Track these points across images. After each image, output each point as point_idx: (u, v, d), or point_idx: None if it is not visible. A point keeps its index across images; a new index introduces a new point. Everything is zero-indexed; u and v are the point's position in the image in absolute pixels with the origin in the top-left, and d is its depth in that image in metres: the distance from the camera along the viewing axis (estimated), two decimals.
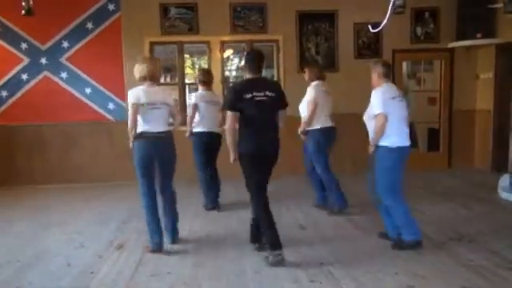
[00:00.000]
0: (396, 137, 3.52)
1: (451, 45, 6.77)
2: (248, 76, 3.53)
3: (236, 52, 8.08)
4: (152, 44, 6.65)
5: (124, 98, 6.64)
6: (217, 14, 6.63)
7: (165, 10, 6.60)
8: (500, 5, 6.03)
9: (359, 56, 6.88)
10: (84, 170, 6.61)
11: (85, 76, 6.58)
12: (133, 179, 6.54)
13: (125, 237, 4.08)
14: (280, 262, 3.28)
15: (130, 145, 3.65)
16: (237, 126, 3.45)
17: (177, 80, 7.01)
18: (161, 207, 3.77)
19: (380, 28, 6.19)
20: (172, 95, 3.84)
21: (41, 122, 6.53)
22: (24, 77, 6.48)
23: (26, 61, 6.47)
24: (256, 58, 3.54)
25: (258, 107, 3.38)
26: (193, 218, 4.64)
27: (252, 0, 6.68)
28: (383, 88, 3.59)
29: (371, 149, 3.62)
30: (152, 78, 3.61)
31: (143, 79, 3.61)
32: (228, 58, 7.93)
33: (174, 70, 7.18)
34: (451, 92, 7.11)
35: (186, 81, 7.17)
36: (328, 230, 4.11)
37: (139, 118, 3.55)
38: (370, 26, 6.53)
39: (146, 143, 3.57)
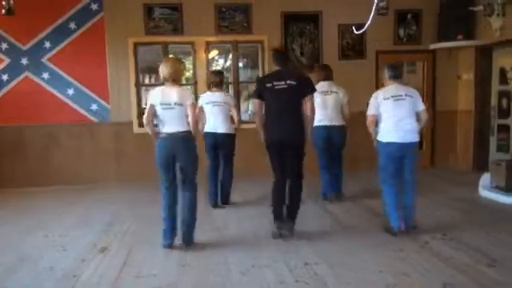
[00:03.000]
0: (388, 133, 3.86)
1: (433, 46, 6.88)
2: (276, 68, 3.96)
3: (221, 53, 8.07)
4: (136, 44, 6.59)
5: (107, 99, 6.60)
6: (202, 14, 6.61)
7: (149, 10, 6.55)
8: (480, 7, 6.16)
9: (343, 57, 6.94)
10: (67, 171, 6.50)
11: (67, 77, 6.48)
12: (116, 181, 6.56)
13: (108, 239, 4.03)
14: (276, 235, 3.81)
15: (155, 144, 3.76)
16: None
17: (161, 81, 6.94)
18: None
19: (364, 29, 6.26)
20: (190, 96, 3.83)
21: (22, 123, 6.40)
22: (4, 77, 6.35)
23: (6, 61, 6.34)
24: (281, 53, 4.03)
25: (277, 95, 3.75)
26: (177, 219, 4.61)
27: (237, 1, 6.68)
28: (379, 90, 4.03)
29: (374, 143, 4.05)
30: (172, 79, 3.71)
31: (165, 80, 3.74)
32: (213, 58, 7.92)
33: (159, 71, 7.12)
34: (433, 93, 7.23)
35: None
36: (313, 229, 4.12)
37: (158, 118, 3.68)
38: (353, 28, 6.60)
39: (162, 143, 3.69)
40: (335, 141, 5.07)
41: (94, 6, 6.44)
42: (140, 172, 6.63)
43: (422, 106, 3.95)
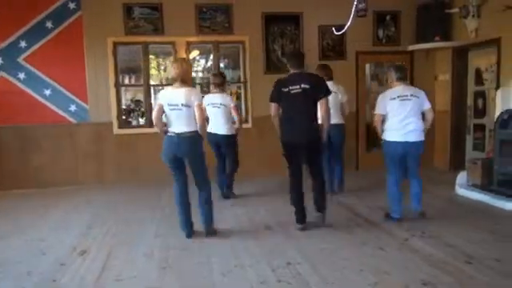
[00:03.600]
0: (392, 132, 4.09)
1: (411, 47, 7.01)
2: (292, 71, 4.05)
3: (202, 53, 8.03)
4: (115, 44, 6.49)
5: (86, 99, 6.48)
6: (182, 14, 6.56)
7: (128, 9, 6.46)
8: (456, 10, 6.31)
9: (324, 57, 6.98)
10: (45, 173, 6.36)
11: (44, 77, 6.33)
12: (96, 182, 6.45)
13: (88, 242, 3.96)
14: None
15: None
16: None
17: (142, 81, 6.89)
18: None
19: (344, 30, 6.33)
20: (197, 97, 3.82)
21: None
22: None
23: None
24: (296, 56, 4.13)
25: (292, 99, 3.90)
26: (159, 220, 4.58)
27: (218, 1, 6.66)
28: (387, 91, 4.19)
29: (381, 142, 4.27)
30: (180, 80, 3.76)
31: (173, 80, 3.81)
32: (194, 58, 7.88)
33: (139, 71, 7.05)
34: None
35: (151, 82, 7.06)
36: (294, 229, 4.14)
37: (166, 117, 3.77)
38: (334, 29, 6.67)
39: (168, 140, 3.77)
40: (335, 139, 5.16)
41: (72, 5, 6.32)
42: (120, 173, 6.56)
43: (427, 106, 4.16)
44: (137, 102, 8.50)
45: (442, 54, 7.04)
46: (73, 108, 6.44)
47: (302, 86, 3.89)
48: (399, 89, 4.13)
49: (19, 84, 6.28)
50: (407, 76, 4.37)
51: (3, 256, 3.68)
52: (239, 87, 7.23)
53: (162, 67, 9.02)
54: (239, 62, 7.03)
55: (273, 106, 4.02)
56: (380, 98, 4.20)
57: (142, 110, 7.62)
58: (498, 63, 5.86)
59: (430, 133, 7.26)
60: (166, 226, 4.39)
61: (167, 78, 8.54)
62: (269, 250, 3.62)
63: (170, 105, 3.71)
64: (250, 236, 3.97)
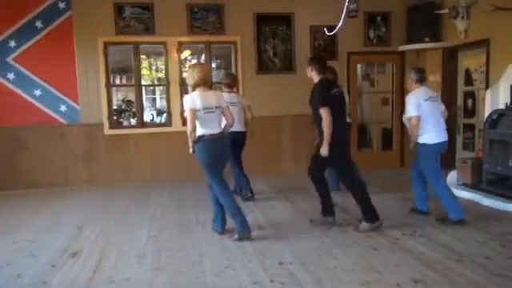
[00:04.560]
0: (432, 134, 4.10)
1: (401, 48, 7.07)
2: (319, 77, 4.11)
3: (194, 53, 8.02)
4: (106, 44, 6.45)
5: (77, 99, 6.43)
6: (173, 14, 6.54)
7: (119, 9, 6.43)
8: (446, 10, 6.37)
9: None
10: (34, 175, 6.30)
11: (34, 77, 6.28)
12: (87, 183, 6.41)
13: (79, 244, 3.93)
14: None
15: (190, 150, 3.82)
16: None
17: (133, 81, 6.85)
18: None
19: (335, 31, 6.36)
20: (224, 98, 4.04)
21: None
22: None
23: None
24: (322, 61, 4.23)
25: (337, 101, 4.05)
26: (150, 221, 4.56)
27: (209, 1, 6.65)
28: (416, 92, 4.16)
29: (411, 145, 4.28)
30: (204, 83, 3.81)
31: (196, 86, 3.82)
32: (186, 59, 7.86)
33: (130, 72, 7.02)
34: (402, 93, 7.39)
35: (143, 82, 7.03)
36: (286, 229, 4.15)
37: (197, 121, 3.75)
38: (325, 29, 6.69)
39: (209, 144, 3.79)
40: None
41: (62, 5, 6.27)
42: (111, 174, 6.52)
43: (443, 106, 4.31)
44: (128, 103, 8.47)
45: (432, 54, 7.10)
46: (63, 108, 6.39)
47: (337, 89, 4.12)
48: (425, 90, 4.18)
49: (8, 84, 6.22)
50: (426, 78, 4.40)
51: None
52: None
53: (154, 67, 8.99)
54: (231, 63, 7.02)
55: (328, 111, 3.92)
56: (411, 99, 4.12)
57: (134, 110, 7.58)
58: (487, 64, 5.93)
59: None
60: (157, 227, 4.37)
61: (159, 79, 8.50)
62: (261, 249, 3.62)
63: (205, 108, 3.75)
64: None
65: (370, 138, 8.12)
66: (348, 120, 5.17)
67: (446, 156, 6.86)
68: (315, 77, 4.12)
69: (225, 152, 3.96)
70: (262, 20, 6.85)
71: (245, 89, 6.81)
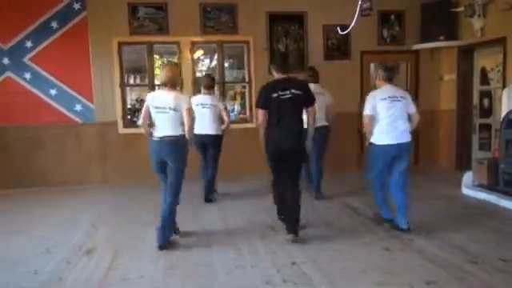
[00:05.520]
0: (383, 134, 3.92)
1: (416, 47, 6.99)
2: (276, 76, 3.92)
3: (206, 53, 8.04)
4: (120, 44, 6.52)
5: (92, 99, 6.52)
6: (187, 14, 6.58)
7: (133, 9, 6.49)
8: (461, 8, 6.28)
9: (328, 57, 6.99)
10: (50, 173, 6.40)
11: (50, 77, 6.38)
12: (101, 182, 6.49)
13: (94, 241, 3.98)
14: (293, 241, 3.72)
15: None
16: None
17: (146, 81, 6.91)
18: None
19: (348, 30, 6.32)
20: (187, 102, 3.83)
21: (4, 125, 6.28)
22: None
23: None
24: (282, 59, 4.05)
25: (281, 105, 3.74)
26: None
27: (222, 1, 6.67)
28: (376, 91, 4.03)
29: (367, 143, 4.13)
30: (170, 84, 3.78)
31: (163, 85, 3.83)
32: (198, 58, 7.89)
33: (144, 71, 7.08)
34: (417, 92, 7.33)
35: (156, 82, 7.07)
36: (300, 228, 4.14)
37: (151, 120, 3.77)
38: (338, 28, 6.65)
39: (153, 146, 3.78)
40: (322, 141, 5.11)
41: (77, 5, 6.35)
42: (125, 173, 6.58)
43: (414, 109, 4.04)
44: (142, 102, 8.53)
45: (447, 53, 7.01)
46: (78, 108, 6.48)
47: (293, 91, 3.77)
48: (388, 88, 3.97)
49: (25, 84, 6.33)
50: (394, 76, 4.16)
51: (10, 254, 3.71)
52: (244, 87, 7.23)
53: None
54: (243, 62, 7.03)
55: (262, 113, 3.80)
56: (369, 98, 3.99)
57: None
58: (504, 62, 5.83)
59: (434, 132, 7.34)
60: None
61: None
62: (273, 250, 3.62)
63: (157, 107, 3.70)
64: (254, 236, 3.97)
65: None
66: (325, 123, 5.13)
67: (461, 156, 6.85)
68: (275, 76, 3.96)
69: (170, 158, 3.72)
70: (274, 19, 6.84)
71: (257, 88, 6.79)
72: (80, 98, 6.47)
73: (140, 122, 3.83)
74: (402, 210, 3.97)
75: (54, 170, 6.43)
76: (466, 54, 6.70)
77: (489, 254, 3.39)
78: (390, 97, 3.92)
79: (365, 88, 7.15)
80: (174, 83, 3.82)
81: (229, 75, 7.41)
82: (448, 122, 7.13)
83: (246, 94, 7.07)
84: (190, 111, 3.80)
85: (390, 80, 4.03)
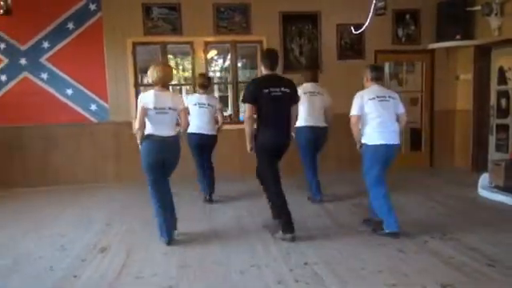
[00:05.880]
0: (374, 135, 3.82)
1: (431, 46, 6.90)
2: (264, 72, 3.95)
3: (220, 53, 8.08)
4: (135, 44, 6.58)
5: (107, 98, 6.59)
6: (200, 14, 6.61)
7: (147, 10, 6.54)
8: (478, 7, 6.18)
9: (342, 57, 6.95)
10: (65, 172, 6.50)
11: (66, 77, 6.47)
12: (115, 181, 6.56)
13: (108, 239, 4.02)
14: (288, 240, 3.75)
15: (140, 146, 3.82)
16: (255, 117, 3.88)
17: None
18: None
19: (362, 29, 6.27)
20: (181, 100, 3.99)
21: (21, 124, 6.39)
22: (3, 78, 6.33)
23: (4, 61, 6.32)
24: (271, 57, 3.96)
25: (273, 102, 3.76)
26: (181, 217, 4.61)
27: (235, 1, 6.68)
28: (363, 91, 3.94)
29: (358, 146, 4.00)
30: (163, 83, 3.80)
31: (155, 84, 3.81)
32: (212, 58, 7.92)
33: None
34: (432, 92, 7.24)
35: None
36: (311, 229, 4.13)
37: (147, 120, 3.72)
38: (352, 28, 6.61)
39: (154, 145, 3.74)
40: (320, 142, 5.09)
41: (93, 6, 6.43)
42: (139, 172, 6.57)
43: (402, 109, 3.98)
44: None
45: (463, 52, 6.90)
46: (93, 107, 6.56)
47: (283, 89, 3.81)
48: (375, 88, 3.92)
49: (42, 84, 6.43)
50: (382, 76, 4.08)
51: (27, 250, 3.77)
52: None
53: (180, 67, 9.10)
54: (257, 62, 7.03)
55: (251, 108, 3.82)
56: (357, 98, 3.90)
57: None
58: None
59: (450, 133, 7.24)
60: (183, 225, 4.42)
61: (185, 78, 8.59)
62: (286, 249, 3.61)
63: (156, 108, 3.68)
64: (267, 236, 3.97)
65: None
66: (324, 124, 5.07)
67: (478, 157, 6.73)
68: (264, 72, 4.00)
69: (171, 156, 3.81)
70: (288, 19, 6.83)
71: None
72: (95, 97, 6.55)
73: (136, 126, 3.73)
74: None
75: (69, 168, 6.52)
76: (483, 54, 6.59)
77: (505, 256, 3.33)
78: (378, 96, 3.86)
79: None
80: (164, 83, 3.84)
81: (242, 75, 7.42)
82: (464, 122, 7.02)
83: None
84: (186, 111, 3.89)
85: (377, 80, 3.98)
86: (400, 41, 7.08)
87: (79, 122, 6.54)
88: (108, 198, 5.77)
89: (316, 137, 5.03)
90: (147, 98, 3.73)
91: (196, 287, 3.01)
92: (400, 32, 7.08)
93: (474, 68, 6.73)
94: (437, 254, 3.42)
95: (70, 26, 6.41)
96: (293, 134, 4.09)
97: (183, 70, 9.63)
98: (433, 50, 7.03)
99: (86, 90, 6.53)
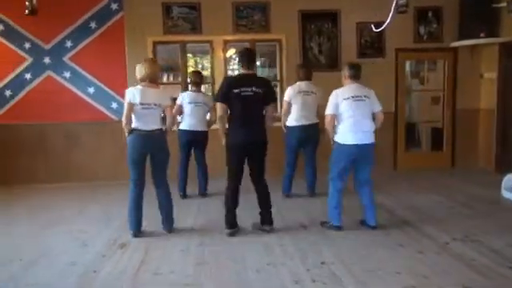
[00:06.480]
0: (346, 134, 3.87)
1: (454, 44, 6.75)
2: (240, 71, 4.00)
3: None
4: (155, 43, 6.65)
5: None
6: (220, 13, 6.63)
7: (167, 9, 6.61)
8: (503, 4, 6.01)
9: (362, 55, 6.86)
10: (87, 169, 6.63)
11: (88, 75, 6.59)
12: None
13: (128, 236, 4.08)
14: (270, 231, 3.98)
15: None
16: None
17: (179, 79, 7.02)
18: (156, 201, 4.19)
19: (383, 27, 6.18)
20: (167, 97, 4.13)
21: (44, 122, 6.55)
22: (27, 76, 6.50)
23: (29, 60, 6.48)
24: (247, 56, 3.95)
25: (242, 102, 3.79)
26: (197, 214, 4.66)
27: None
28: (339, 90, 3.97)
29: (332, 143, 4.06)
30: (150, 79, 3.92)
31: (141, 80, 3.93)
32: (231, 57, 7.94)
33: (177, 70, 7.20)
34: (454, 91, 7.09)
35: (189, 80, 7.18)
36: (329, 228, 4.10)
37: (133, 115, 3.86)
38: (372, 26, 6.52)
39: (138, 139, 3.87)
40: (314, 140, 5.09)
41: (114, 6, 6.53)
42: None
43: (378, 107, 3.96)
44: (175, 100, 8.67)
45: (487, 50, 6.73)
46: (114, 105, 6.66)
47: (254, 89, 3.81)
48: (352, 87, 3.93)
49: (65, 82, 6.57)
50: (360, 74, 4.03)
51: (49, 246, 3.87)
52: (275, 85, 7.21)
53: (200, 66, 9.15)
54: (276, 61, 7.02)
55: (222, 107, 3.87)
56: (332, 96, 3.94)
57: None
58: None
59: (473, 132, 7.07)
60: (201, 222, 4.46)
61: (205, 77, 8.56)
62: (303, 248, 3.60)
63: (142, 104, 3.82)
64: (285, 234, 3.97)
65: (419, 138, 7.83)
66: (315, 120, 5.05)
67: (502, 157, 6.56)
68: (241, 70, 4.03)
69: (157, 151, 3.95)
70: (307, 17, 6.79)
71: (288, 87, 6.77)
72: (116, 96, 6.64)
73: (124, 120, 3.86)
74: (371, 206, 4.03)
75: (91, 165, 6.64)
76: (508, 52, 6.41)
77: None
78: (352, 96, 3.86)
79: (400, 86, 6.99)
80: (152, 79, 3.92)
81: (261, 74, 7.40)
82: (488, 121, 6.85)
83: (278, 93, 7.03)
84: (172, 108, 4.03)
85: (355, 78, 3.97)
86: (422, 39, 6.95)
87: (101, 120, 6.65)
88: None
89: (307, 135, 5.06)
90: (134, 93, 3.86)
91: (212, 285, 3.03)
92: (422, 30, 6.95)
93: (498, 66, 6.56)
94: (458, 256, 3.36)
95: (93, 25, 6.53)
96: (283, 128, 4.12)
97: (202, 69, 9.70)
98: (455, 48, 6.88)
99: (107, 89, 6.64)
